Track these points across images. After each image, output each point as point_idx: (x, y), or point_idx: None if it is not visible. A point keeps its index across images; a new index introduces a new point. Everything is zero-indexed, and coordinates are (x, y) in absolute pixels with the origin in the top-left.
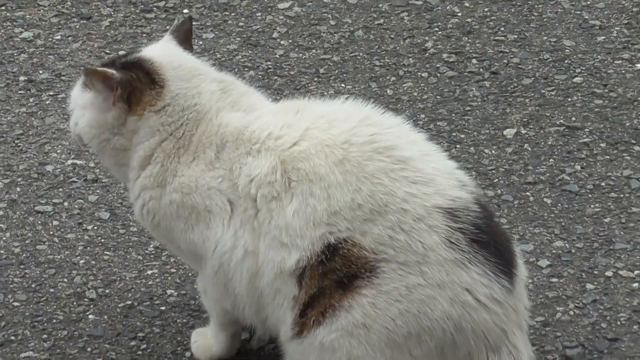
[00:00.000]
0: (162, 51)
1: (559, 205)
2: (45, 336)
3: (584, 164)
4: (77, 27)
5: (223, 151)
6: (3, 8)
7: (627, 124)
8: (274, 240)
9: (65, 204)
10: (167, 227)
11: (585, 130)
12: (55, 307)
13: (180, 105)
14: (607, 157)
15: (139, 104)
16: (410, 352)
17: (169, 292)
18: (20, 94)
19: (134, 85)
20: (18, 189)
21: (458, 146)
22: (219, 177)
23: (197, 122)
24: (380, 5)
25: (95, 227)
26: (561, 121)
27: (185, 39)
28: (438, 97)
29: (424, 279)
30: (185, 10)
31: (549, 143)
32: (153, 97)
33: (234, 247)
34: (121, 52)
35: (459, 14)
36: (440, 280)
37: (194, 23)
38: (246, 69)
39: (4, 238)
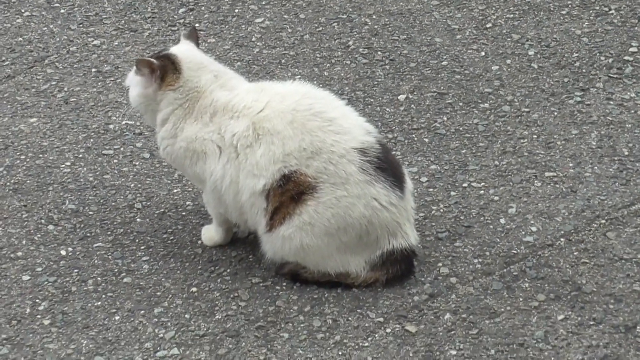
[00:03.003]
0: (183, 50)
1: (433, 142)
2: (109, 232)
3: (449, 116)
4: (128, 36)
5: (215, 117)
6: (81, 25)
7: (476, 90)
8: (249, 172)
9: (122, 149)
10: (179, 162)
11: (449, 94)
12: (115, 214)
13: (188, 86)
14: (463, 111)
15: (165, 82)
16: (340, 239)
17: (187, 203)
18: (93, 80)
19: (165, 69)
20: (91, 140)
21: (369, 107)
22: (211, 132)
23: (197, 98)
24: (320, 19)
25: (141, 163)
26: (434, 89)
27: (194, 41)
28: (356, 76)
29: (347, 193)
30: (197, 25)
31: (427, 103)
32: (173, 79)
33: (223, 176)
34: (158, 50)
35: (369, 23)
36: (357, 193)
37: (202, 32)
38: (235, 62)
39: (83, 171)
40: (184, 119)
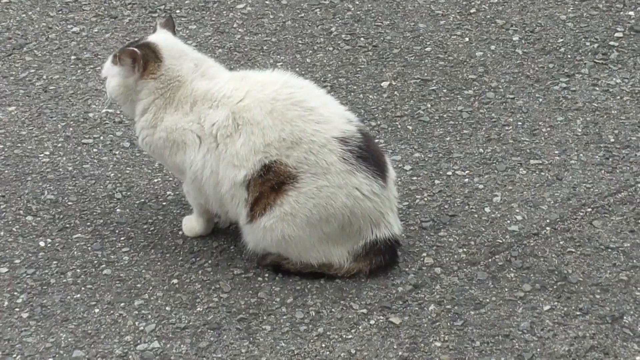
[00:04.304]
0: (162, 38)
1: (417, 130)
2: (88, 223)
3: (432, 103)
4: (108, 23)
5: (195, 106)
6: (60, 12)
7: (460, 77)
8: (229, 163)
9: (101, 137)
10: (159, 153)
11: (433, 81)
12: (95, 204)
13: (170, 75)
14: (447, 98)
15: (146, 71)
16: (322, 229)
17: (168, 192)
18: (72, 67)
19: (147, 58)
20: (70, 129)
21: (352, 94)
22: (191, 122)
23: (178, 87)
24: (302, 5)
25: (121, 152)
26: (417, 76)
27: (171, 29)
28: (339, 63)
29: (328, 183)
30: (178, 11)
31: (410, 90)
32: (154, 68)
33: (203, 167)
34: (135, 39)
35: (352, 9)
36: (339, 183)
37: (183, 19)
38: (216, 48)
39: (62, 161)
40: (164, 109)
